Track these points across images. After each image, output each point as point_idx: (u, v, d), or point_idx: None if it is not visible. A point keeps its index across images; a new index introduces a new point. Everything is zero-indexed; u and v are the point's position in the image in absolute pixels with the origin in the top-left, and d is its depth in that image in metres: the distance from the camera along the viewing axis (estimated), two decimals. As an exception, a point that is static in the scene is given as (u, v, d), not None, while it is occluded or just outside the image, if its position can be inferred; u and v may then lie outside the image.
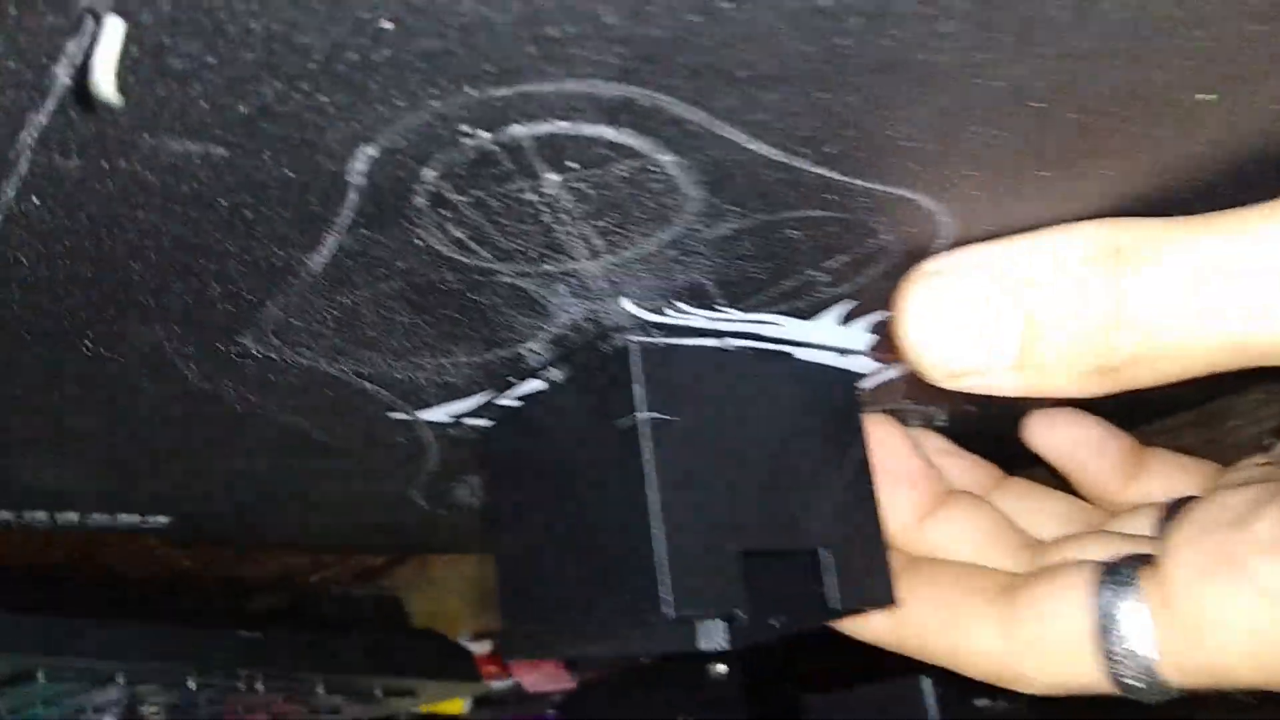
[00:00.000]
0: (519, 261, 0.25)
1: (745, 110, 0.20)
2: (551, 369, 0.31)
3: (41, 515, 0.38)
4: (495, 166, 0.21)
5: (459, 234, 0.23)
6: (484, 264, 0.25)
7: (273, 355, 0.28)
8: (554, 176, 0.22)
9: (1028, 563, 0.33)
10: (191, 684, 0.47)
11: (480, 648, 0.71)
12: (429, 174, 0.21)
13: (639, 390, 0.28)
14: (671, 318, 0.28)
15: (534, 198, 0.22)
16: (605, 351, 0.29)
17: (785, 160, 0.22)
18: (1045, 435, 0.36)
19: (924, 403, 0.37)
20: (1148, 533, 0.32)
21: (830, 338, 0.31)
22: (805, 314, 0.29)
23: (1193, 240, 0.23)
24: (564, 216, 0.23)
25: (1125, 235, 0.24)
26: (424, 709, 0.84)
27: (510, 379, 0.31)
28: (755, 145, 0.21)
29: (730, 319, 0.29)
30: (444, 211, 0.22)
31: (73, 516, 0.39)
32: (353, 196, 0.21)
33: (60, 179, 0.20)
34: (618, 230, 0.24)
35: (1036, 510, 0.36)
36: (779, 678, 0.57)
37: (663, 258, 0.25)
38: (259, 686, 0.49)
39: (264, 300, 0.25)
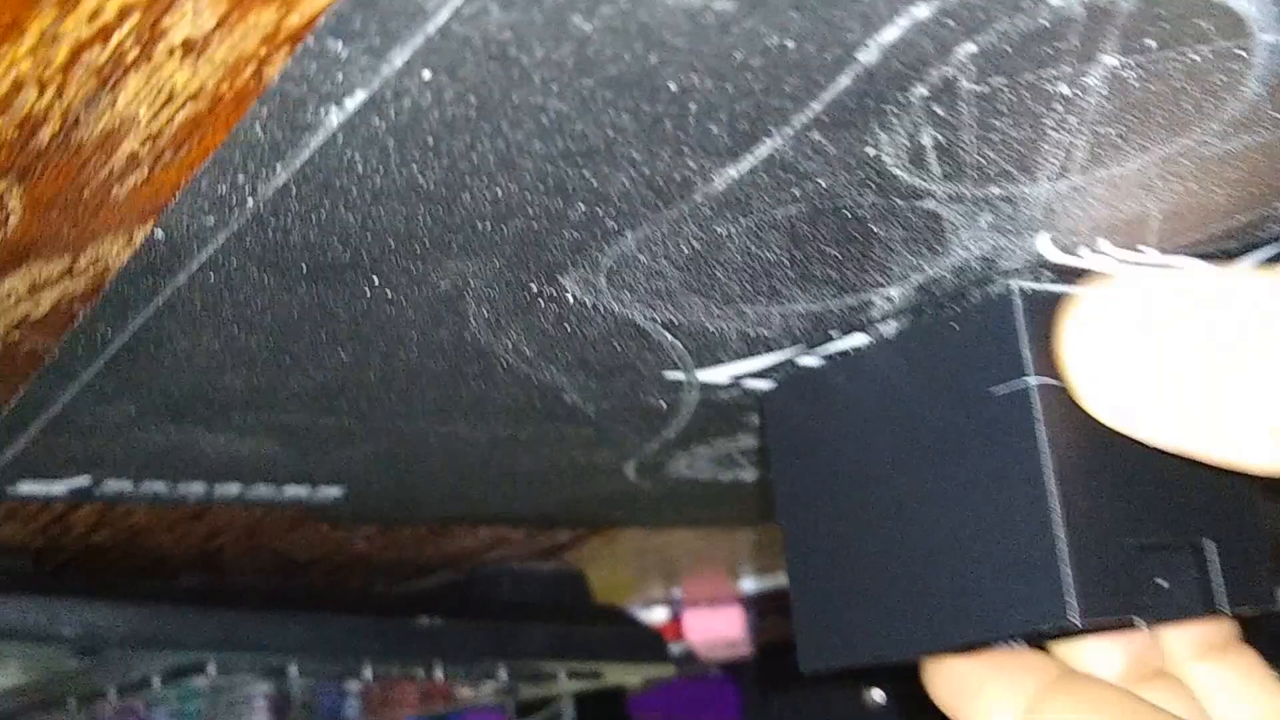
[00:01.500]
0: (967, 181, 0.19)
1: None
2: (888, 321, 0.25)
3: (198, 487, 0.32)
4: (1054, 41, 0.15)
5: (927, 140, 0.17)
6: (922, 183, 0.19)
7: (587, 300, 0.22)
8: (1111, 60, 0.16)
9: None
10: (368, 672, 0.42)
11: (656, 616, 0.66)
12: (966, 49, 0.15)
13: (1027, 347, 0.22)
14: (1081, 259, 0.22)
15: (1064, 90, 0.16)
16: (971, 301, 0.24)
17: None
18: None
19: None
20: None
21: None
22: (1227, 257, 0.24)
23: None
24: (1073, 120, 0.17)
25: None
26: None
27: (833, 332, 0.25)
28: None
29: (1140, 262, 0.23)
30: (937, 108, 0.16)
31: (233, 489, 0.33)
32: (844, 80, 0.15)
33: (465, 49, 0.14)
34: (1120, 140, 0.18)
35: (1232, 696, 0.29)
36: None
37: (1136, 180, 0.20)
38: (438, 675, 0.43)
39: (626, 229, 0.19)
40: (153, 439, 0.28)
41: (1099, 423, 0.23)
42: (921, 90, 0.16)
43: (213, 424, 0.27)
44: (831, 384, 0.27)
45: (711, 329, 0.24)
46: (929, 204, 0.20)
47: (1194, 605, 0.26)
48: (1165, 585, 0.25)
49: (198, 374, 0.24)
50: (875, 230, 0.20)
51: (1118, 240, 0.22)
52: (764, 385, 0.28)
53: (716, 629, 0.67)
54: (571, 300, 0.22)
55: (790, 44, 0.14)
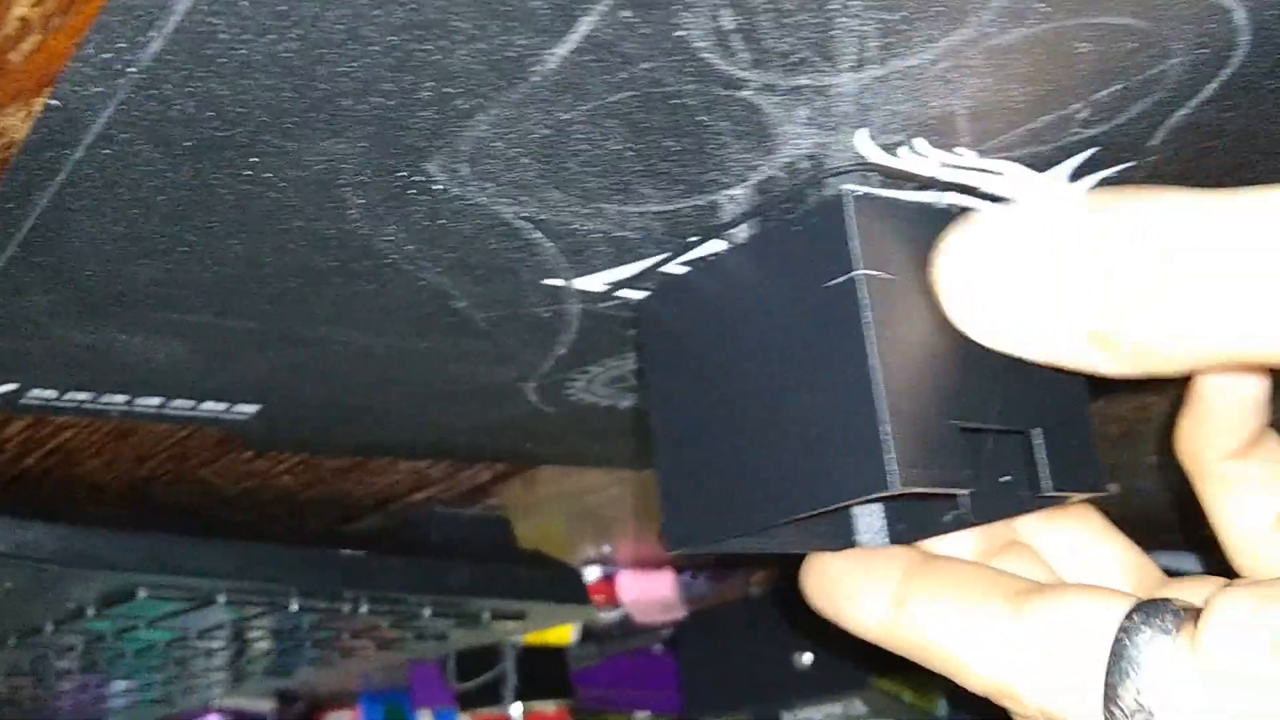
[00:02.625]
0: (774, 68, 0.21)
1: None
2: (739, 226, 0.27)
3: (120, 399, 0.34)
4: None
5: (729, 22, 0.20)
6: (734, 70, 0.21)
7: (454, 190, 0.24)
8: None
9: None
10: (294, 605, 0.44)
11: (589, 575, 0.68)
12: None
13: (855, 242, 0.25)
14: (902, 160, 0.25)
15: None
16: (810, 204, 0.26)
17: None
18: None
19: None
20: None
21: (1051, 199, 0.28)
22: (1042, 163, 0.26)
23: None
24: (856, 3, 0.20)
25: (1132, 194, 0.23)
26: (530, 639, 0.82)
27: (692, 237, 0.28)
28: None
29: (960, 165, 0.26)
30: (730, -14, 0.19)
31: (153, 401, 0.35)
32: (637, -43, 0.18)
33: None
34: (904, 29, 0.21)
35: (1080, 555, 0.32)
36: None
37: (931, 73, 0.22)
38: (363, 609, 0.46)
39: (475, 111, 0.22)
40: (71, 339, 0.30)
41: (926, 316, 0.26)
42: (711, -33, 0.18)
43: (126, 323, 0.29)
44: (696, 289, 0.29)
45: (578, 229, 0.27)
46: (746, 94, 0.22)
47: (1020, 486, 0.28)
48: (999, 473, 0.28)
49: (104, 263, 0.26)
50: (704, 121, 0.23)
51: (934, 140, 0.25)
52: (638, 294, 0.31)
53: (648, 589, 0.70)
54: (440, 189, 0.24)
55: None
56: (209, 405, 0.36)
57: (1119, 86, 0.23)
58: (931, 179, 0.26)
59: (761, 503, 0.27)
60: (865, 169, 0.25)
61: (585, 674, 0.90)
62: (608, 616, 0.78)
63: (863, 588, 0.29)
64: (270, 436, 0.39)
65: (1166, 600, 0.24)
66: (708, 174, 0.25)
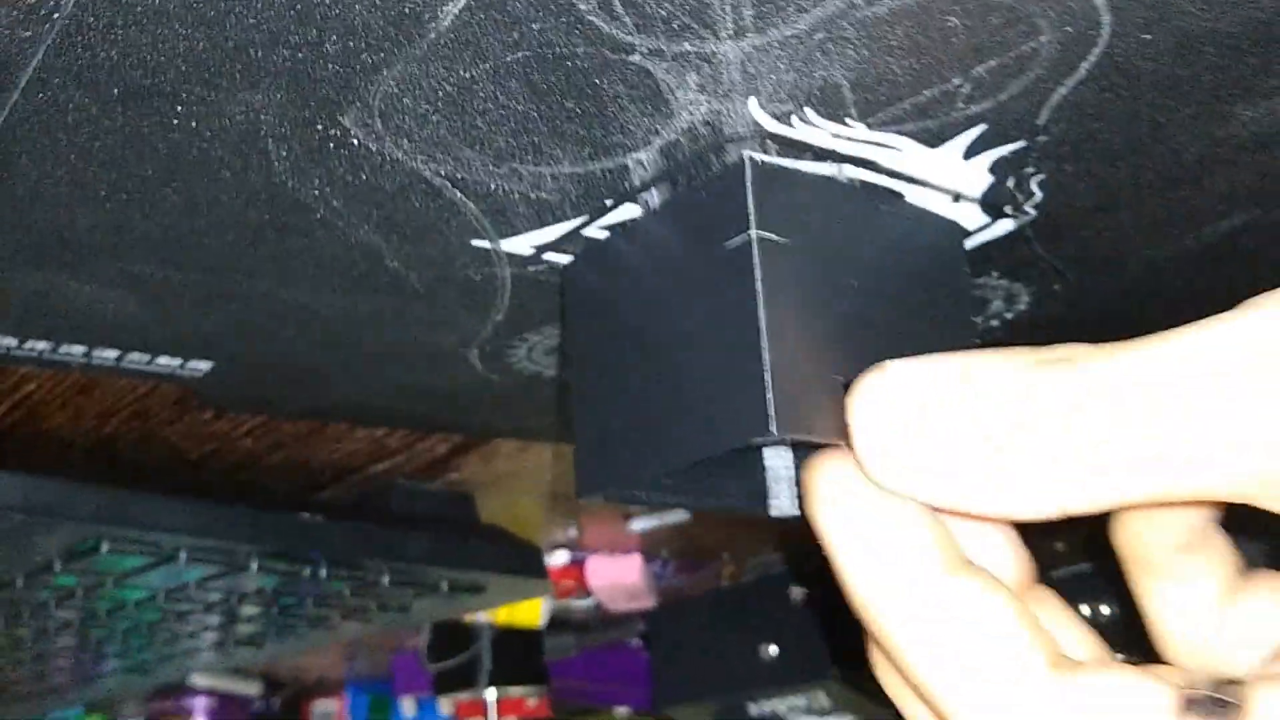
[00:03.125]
0: (658, 35, 0.23)
1: None
2: (651, 191, 0.29)
3: (78, 349, 0.36)
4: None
5: None
6: (621, 34, 0.23)
7: (372, 144, 0.26)
8: None
9: None
10: (254, 566, 0.46)
11: (556, 559, 0.70)
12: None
13: (752, 206, 0.26)
14: (795, 130, 0.27)
15: None
16: (714, 170, 0.28)
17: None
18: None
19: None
20: None
21: (949, 176, 0.29)
22: (932, 138, 0.28)
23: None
24: None
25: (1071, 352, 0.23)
26: (500, 620, 0.84)
27: (607, 201, 0.29)
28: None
29: (854, 137, 0.27)
30: (601, -49, 0.20)
31: (110, 354, 0.37)
32: (510, -82, 0.20)
33: None
34: None
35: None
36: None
37: (809, 44, 0.24)
38: (322, 573, 0.47)
39: (380, 65, 0.23)
40: (25, 284, 0.32)
41: (819, 280, 0.27)
42: (581, -68, 0.20)
43: (74, 271, 0.31)
44: (615, 253, 0.31)
45: (495, 188, 0.28)
46: (636, 59, 0.24)
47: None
48: None
49: (49, 208, 0.28)
50: (601, 85, 0.24)
51: (822, 111, 0.26)
52: (564, 258, 0.32)
53: (616, 574, 0.71)
54: (357, 144, 0.26)
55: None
56: (164, 360, 0.37)
57: (994, 62, 0.25)
58: (829, 150, 0.28)
59: (661, 449, 0.28)
60: (762, 136, 0.27)
61: (562, 666, 0.91)
62: (580, 604, 0.80)
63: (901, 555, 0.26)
64: (225, 394, 0.41)
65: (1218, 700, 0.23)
66: (611, 136, 0.26)
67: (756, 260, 0.26)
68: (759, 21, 0.23)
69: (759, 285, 0.26)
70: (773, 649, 0.74)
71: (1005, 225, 0.32)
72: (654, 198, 0.29)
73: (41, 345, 0.36)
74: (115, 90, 0.24)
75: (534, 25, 0.22)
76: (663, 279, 0.29)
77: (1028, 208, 0.31)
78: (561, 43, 0.23)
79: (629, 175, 0.28)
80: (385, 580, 0.50)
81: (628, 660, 0.91)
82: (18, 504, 0.41)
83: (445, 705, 0.96)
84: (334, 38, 0.22)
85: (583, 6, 0.22)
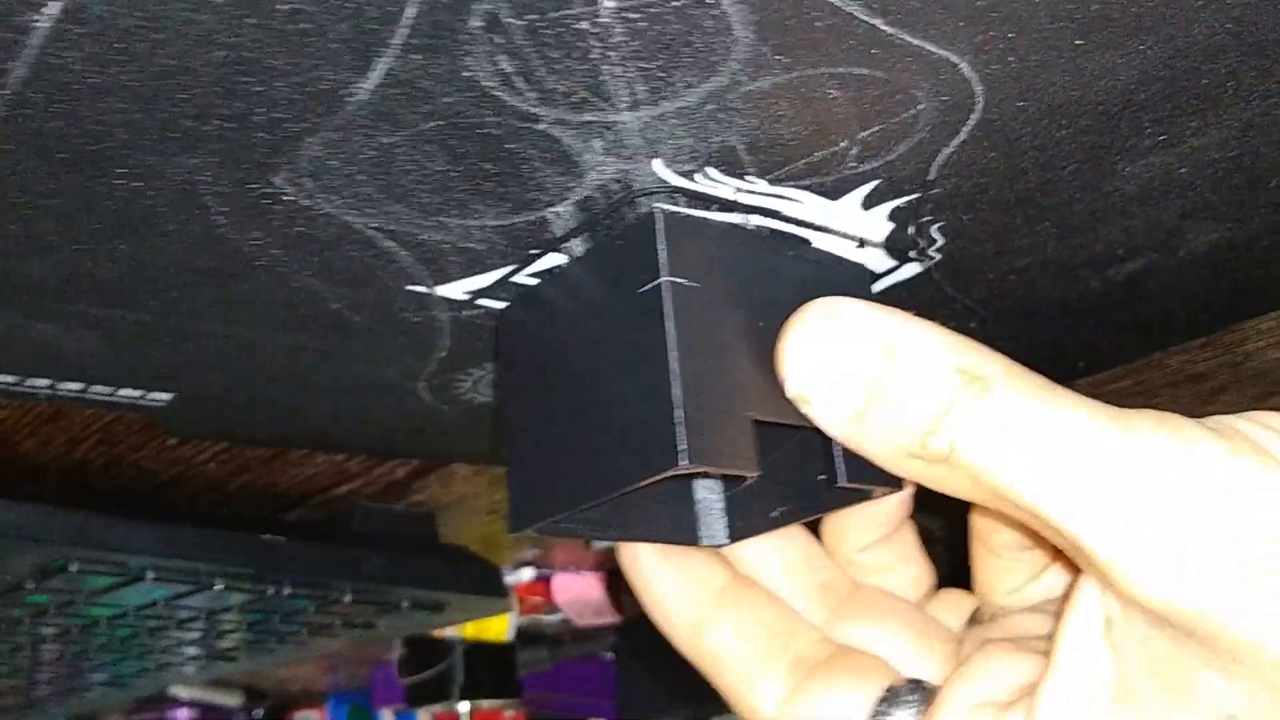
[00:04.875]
0: (560, 106, 0.25)
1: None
2: (574, 241, 0.31)
3: (44, 383, 0.38)
4: (555, -14, 0.21)
5: (508, 67, 0.23)
6: (526, 107, 0.25)
7: (304, 201, 0.28)
8: (610, 3, 0.22)
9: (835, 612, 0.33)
10: (219, 585, 0.48)
11: (522, 576, 0.72)
12: (489, -11, 0.21)
13: (663, 253, 0.28)
14: (700, 185, 0.29)
15: (586, 27, 0.22)
16: (630, 221, 0.30)
17: (838, 3, 0.22)
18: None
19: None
20: None
21: (851, 223, 0.31)
22: (831, 192, 0.30)
23: (1050, 414, 0.25)
24: (613, 54, 0.23)
25: (987, 367, 0.25)
26: (469, 634, 0.85)
27: (533, 250, 0.31)
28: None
29: (756, 191, 0.29)
30: (497, 38, 0.22)
31: (74, 386, 0.39)
32: (410, 12, 0.21)
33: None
34: (663, 76, 0.24)
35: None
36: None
37: (701, 114, 0.26)
38: (286, 591, 0.49)
39: (305, 134, 0.25)
40: (-12, 325, 0.34)
41: (729, 322, 0.29)
42: (477, 21, 0.22)
43: (33, 312, 0.33)
44: (544, 298, 0.33)
45: (425, 239, 0.30)
46: (543, 126, 0.26)
47: (816, 487, 0.31)
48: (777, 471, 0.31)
49: (7, 258, 0.30)
50: (512, 149, 0.26)
51: (724, 169, 0.28)
52: (498, 304, 0.34)
53: (581, 591, 0.73)
54: (291, 200, 0.28)
55: (354, -23, 0.20)
56: (126, 392, 0.39)
57: (877, 127, 0.27)
58: (734, 202, 0.30)
59: (585, 484, 0.30)
60: (670, 191, 0.29)
61: (536, 679, 0.93)
62: (550, 619, 0.82)
63: (675, 595, 0.33)
64: (187, 424, 0.43)
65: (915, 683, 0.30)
66: (528, 193, 0.28)
67: (668, 303, 0.28)
68: (652, 95, 0.25)
69: (670, 326, 0.28)
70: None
71: (913, 268, 0.34)
72: (576, 247, 0.31)
73: (8, 379, 0.37)
74: (61, 155, 0.26)
75: (444, 99, 0.24)
76: (586, 322, 0.31)
77: (931, 252, 0.33)
78: (472, 113, 0.25)
79: (550, 227, 0.30)
80: (347, 599, 0.52)
81: (600, 672, 0.93)
82: (-14, 527, 0.43)
83: (422, 717, 0.97)
84: (260, 110, 0.24)
85: (487, 83, 0.24)
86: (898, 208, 0.31)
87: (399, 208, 0.29)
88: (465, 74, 0.24)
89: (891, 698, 0.30)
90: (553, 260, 0.32)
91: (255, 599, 0.52)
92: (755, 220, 0.31)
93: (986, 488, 0.25)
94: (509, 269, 0.32)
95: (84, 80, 0.23)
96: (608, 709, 0.93)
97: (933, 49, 0.24)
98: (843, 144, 0.27)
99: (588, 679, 0.92)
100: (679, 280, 0.28)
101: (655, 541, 0.34)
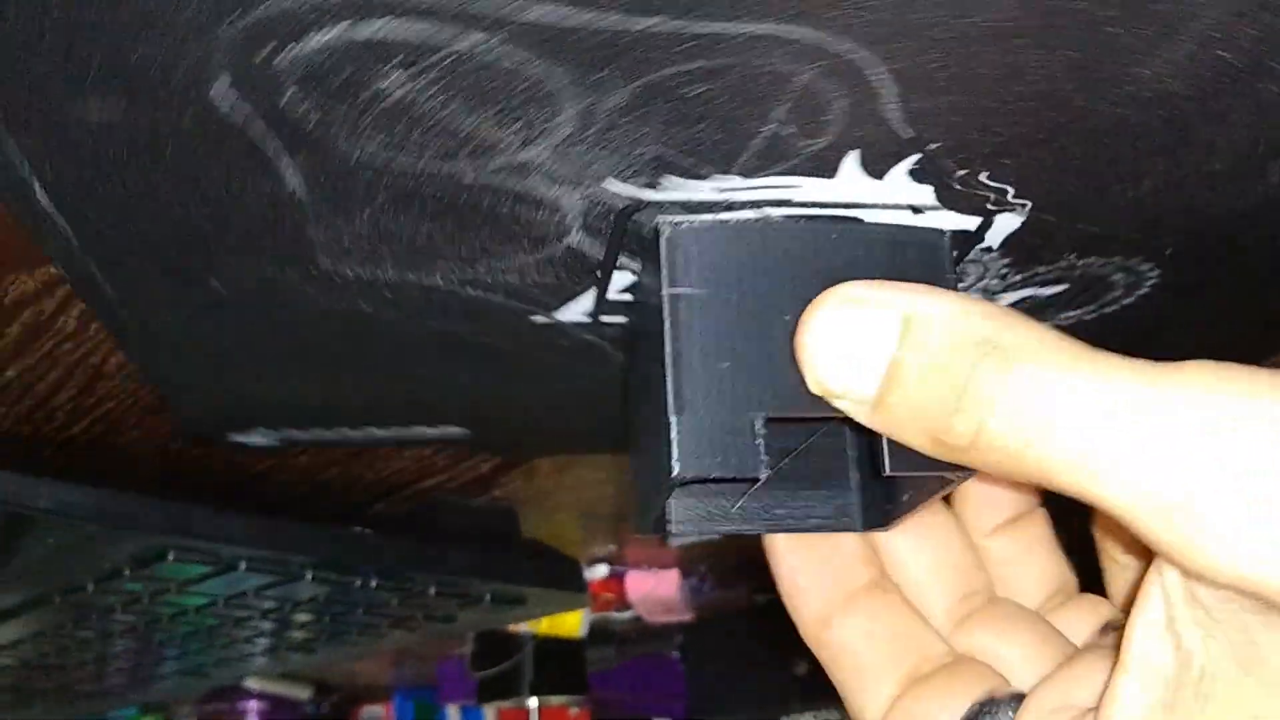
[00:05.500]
0: (463, 159, 0.27)
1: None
2: (624, 256, 0.32)
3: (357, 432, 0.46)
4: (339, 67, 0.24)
5: (380, 137, 0.26)
6: (434, 169, 0.27)
7: (359, 272, 0.32)
8: (398, 74, 0.24)
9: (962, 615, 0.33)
10: (308, 575, 0.49)
11: (596, 573, 0.72)
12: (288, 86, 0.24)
13: (664, 265, 0.29)
14: (676, 193, 0.29)
15: (399, 95, 0.24)
16: (646, 234, 0.31)
17: (610, 27, 0.23)
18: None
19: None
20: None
21: (877, 193, 0.30)
22: (819, 170, 0.29)
23: (1080, 381, 0.23)
24: (449, 111, 0.25)
25: (1009, 335, 0.24)
26: (542, 630, 0.86)
27: (593, 272, 0.32)
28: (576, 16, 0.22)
29: (739, 187, 0.29)
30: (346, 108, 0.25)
31: (385, 433, 0.46)
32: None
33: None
34: (514, 118, 0.26)
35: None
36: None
37: (592, 136, 0.26)
38: (372, 584, 0.50)
39: (301, 223, 0.29)
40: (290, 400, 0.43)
41: (737, 321, 0.29)
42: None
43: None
44: (632, 309, 0.34)
45: (494, 281, 0.33)
46: (469, 180, 0.28)
47: (858, 476, 0.32)
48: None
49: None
50: (470, 203, 0.29)
51: (680, 174, 0.28)
52: (620, 318, 0.35)
53: (655, 589, 0.74)
54: (350, 274, 0.32)
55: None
56: (428, 430, 0.45)
57: (784, 107, 0.26)
58: (730, 202, 0.30)
59: (652, 495, 0.31)
60: (648, 205, 0.30)
61: (603, 677, 0.94)
62: (620, 616, 0.82)
63: (809, 586, 0.33)
64: (489, 447, 0.50)
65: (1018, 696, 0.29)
66: (530, 232, 0.30)
67: (667, 316, 0.28)
68: (527, 135, 0.26)
69: (668, 340, 0.28)
70: (804, 665, 0.75)
71: (1011, 218, 0.32)
72: (632, 262, 0.32)
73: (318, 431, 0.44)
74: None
75: (367, 177, 0.28)
76: (645, 331, 0.32)
77: (1011, 199, 0.31)
78: (407, 183, 0.28)
79: (582, 253, 0.31)
80: (431, 591, 0.53)
81: (666, 672, 0.93)
82: (91, 515, 0.44)
83: (489, 713, 0.98)
84: (256, 213, 0.29)
85: (379, 152, 0.27)
86: (912, 170, 0.29)
87: (443, 263, 0.32)
88: (359, 149, 0.27)
89: (989, 706, 0.30)
90: (627, 278, 0.33)
91: (341, 590, 0.53)
92: (780, 212, 0.30)
93: (1029, 470, 0.23)
94: (592, 290, 0.33)
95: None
96: (673, 708, 0.93)
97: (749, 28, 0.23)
98: (768, 128, 0.27)
99: (654, 678, 0.93)
100: (680, 290, 0.29)
101: (805, 531, 0.33)
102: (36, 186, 0.27)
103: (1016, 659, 0.31)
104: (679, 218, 0.29)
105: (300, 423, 0.45)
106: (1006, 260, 0.33)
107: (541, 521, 0.60)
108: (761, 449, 0.27)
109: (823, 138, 0.27)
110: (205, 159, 0.26)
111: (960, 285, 0.33)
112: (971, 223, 0.31)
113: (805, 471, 0.33)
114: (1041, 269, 0.33)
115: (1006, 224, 0.32)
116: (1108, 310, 0.37)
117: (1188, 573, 0.22)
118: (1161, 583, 0.23)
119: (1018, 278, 0.34)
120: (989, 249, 0.32)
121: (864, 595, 0.32)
